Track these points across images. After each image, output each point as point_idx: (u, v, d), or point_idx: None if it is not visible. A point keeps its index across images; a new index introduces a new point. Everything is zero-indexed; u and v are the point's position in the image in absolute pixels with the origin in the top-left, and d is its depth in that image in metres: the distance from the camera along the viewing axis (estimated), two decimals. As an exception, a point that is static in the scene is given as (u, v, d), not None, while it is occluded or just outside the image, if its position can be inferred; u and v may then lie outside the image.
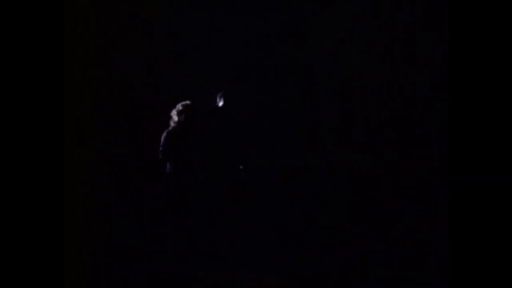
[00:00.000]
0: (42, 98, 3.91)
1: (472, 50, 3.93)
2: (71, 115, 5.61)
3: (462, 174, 3.82)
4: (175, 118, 6.64)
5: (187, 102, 6.66)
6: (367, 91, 6.58)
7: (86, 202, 6.23)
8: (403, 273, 5.43)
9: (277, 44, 7.01)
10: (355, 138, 6.59)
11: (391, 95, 6.48)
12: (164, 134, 6.67)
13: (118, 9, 6.58)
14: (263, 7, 6.91)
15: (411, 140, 6.18)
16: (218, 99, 6.69)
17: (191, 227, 6.27)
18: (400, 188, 6.14)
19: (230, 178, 6.63)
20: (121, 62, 6.61)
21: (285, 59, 7.03)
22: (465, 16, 3.97)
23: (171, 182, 6.49)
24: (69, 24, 4.80)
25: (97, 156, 6.41)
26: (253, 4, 6.88)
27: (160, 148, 6.59)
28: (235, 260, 5.88)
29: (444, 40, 5.91)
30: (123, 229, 6.14)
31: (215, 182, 6.54)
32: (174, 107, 6.63)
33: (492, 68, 3.88)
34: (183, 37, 6.81)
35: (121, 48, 6.63)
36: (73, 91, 5.89)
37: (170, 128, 6.66)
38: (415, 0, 6.34)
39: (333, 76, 6.78)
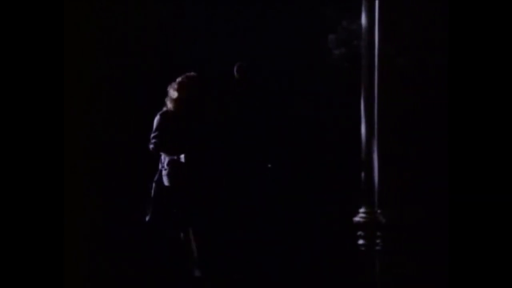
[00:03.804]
0: (42, 98, 3.90)
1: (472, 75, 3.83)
2: (71, 115, 5.60)
3: (462, 193, 3.72)
4: (174, 94, 5.13)
5: (192, 73, 5.26)
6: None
7: (85, 204, 6.22)
8: None
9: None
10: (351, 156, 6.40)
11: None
12: (158, 117, 5.16)
13: (118, 9, 6.56)
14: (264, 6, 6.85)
15: (410, 158, 6.12)
16: (235, 73, 5.57)
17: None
18: (399, 207, 6.02)
19: (249, 177, 5.56)
20: (121, 62, 6.59)
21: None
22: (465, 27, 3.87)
23: (167, 181, 5.15)
24: (69, 24, 4.78)
25: (97, 157, 6.39)
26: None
27: (152, 135, 5.10)
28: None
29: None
30: (123, 231, 6.12)
31: (228, 181, 5.40)
32: (171, 81, 5.23)
33: (492, 84, 3.81)
34: (183, 37, 6.78)
35: (120, 48, 6.61)
36: (73, 91, 5.87)
37: (166, 109, 5.20)
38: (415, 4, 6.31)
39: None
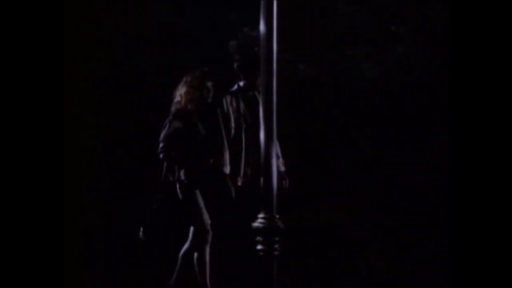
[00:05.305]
0: (42, 98, 3.90)
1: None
2: (71, 115, 5.60)
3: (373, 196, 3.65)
4: (190, 94, 4.68)
5: (205, 69, 4.91)
6: None
7: (85, 203, 6.22)
8: None
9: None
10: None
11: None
12: (168, 121, 4.76)
13: (118, 9, 6.57)
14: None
15: (310, 163, 6.09)
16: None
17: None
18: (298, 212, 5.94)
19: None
20: (122, 62, 6.59)
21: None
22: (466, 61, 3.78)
23: (180, 194, 4.78)
24: (69, 25, 4.78)
25: (97, 157, 6.39)
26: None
27: (161, 144, 4.71)
28: None
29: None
30: (123, 232, 6.11)
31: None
32: (179, 80, 4.78)
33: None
34: (183, 37, 6.78)
35: (121, 48, 6.61)
36: (73, 91, 5.87)
37: (176, 111, 4.77)
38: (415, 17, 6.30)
39: None
